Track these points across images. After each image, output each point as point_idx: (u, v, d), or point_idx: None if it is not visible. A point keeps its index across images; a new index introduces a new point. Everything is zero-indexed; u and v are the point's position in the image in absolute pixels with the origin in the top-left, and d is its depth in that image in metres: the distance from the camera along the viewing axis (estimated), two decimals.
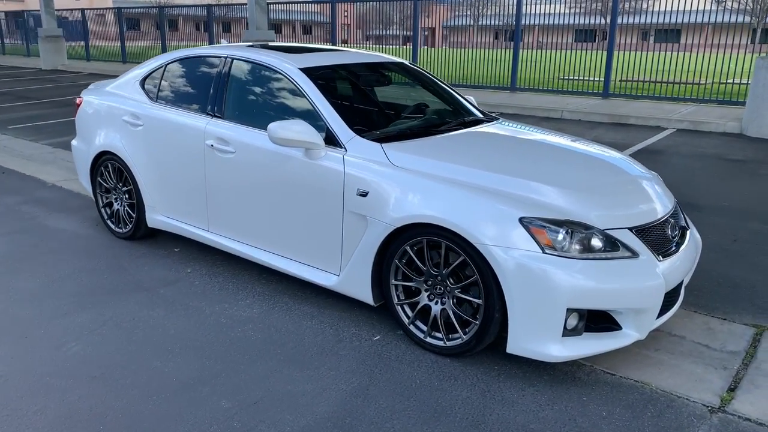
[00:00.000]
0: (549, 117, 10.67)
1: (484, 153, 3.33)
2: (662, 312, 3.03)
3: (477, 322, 2.85)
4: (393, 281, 3.12)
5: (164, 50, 20.96)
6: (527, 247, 2.69)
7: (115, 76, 19.05)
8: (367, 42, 24.72)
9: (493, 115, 4.40)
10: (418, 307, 3.08)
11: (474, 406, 2.63)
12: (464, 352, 2.94)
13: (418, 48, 14.42)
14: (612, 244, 2.79)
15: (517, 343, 2.75)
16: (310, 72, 3.66)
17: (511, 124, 4.09)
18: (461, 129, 3.76)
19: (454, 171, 3.04)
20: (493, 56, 13.81)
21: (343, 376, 2.83)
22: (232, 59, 3.98)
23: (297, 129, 3.25)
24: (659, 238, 2.97)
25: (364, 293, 3.23)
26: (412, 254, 3.02)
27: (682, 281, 3.10)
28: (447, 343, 2.98)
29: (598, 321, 2.84)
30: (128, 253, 4.34)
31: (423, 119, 3.89)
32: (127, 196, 4.51)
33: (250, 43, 4.36)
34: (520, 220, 2.74)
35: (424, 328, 3.07)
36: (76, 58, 24.15)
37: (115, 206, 4.63)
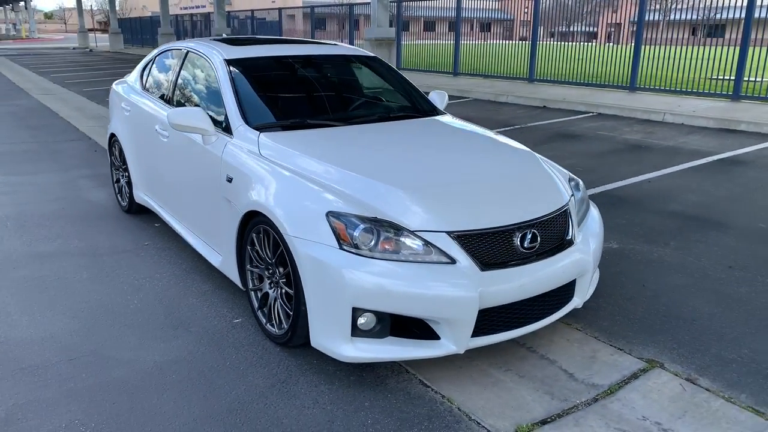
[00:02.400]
0: (649, 119, 9.68)
1: (354, 148, 3.28)
2: (509, 328, 2.78)
3: (291, 314, 2.86)
4: (248, 267, 3.22)
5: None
6: (327, 241, 2.65)
7: None
8: (551, 39, 23.85)
9: (443, 111, 4.24)
10: (261, 293, 3.14)
11: (251, 394, 2.66)
12: (286, 343, 2.96)
13: (537, 43, 13.81)
14: (422, 246, 2.63)
15: (316, 338, 2.72)
16: (233, 62, 3.85)
17: (445, 120, 3.95)
18: (375, 123, 3.72)
19: (304, 164, 3.05)
20: (613, 53, 12.71)
21: (169, 349, 3.01)
22: (187, 51, 4.31)
23: (189, 115, 3.47)
24: (493, 247, 2.71)
25: (234, 276, 3.37)
26: (256, 242, 3.09)
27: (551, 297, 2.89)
28: (277, 331, 3.01)
29: (418, 328, 2.68)
30: (114, 224, 4.89)
31: (343, 111, 3.89)
32: (126, 174, 5.07)
33: (217, 37, 4.66)
34: (327, 214, 2.69)
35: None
36: None
37: (121, 182, 5.23)
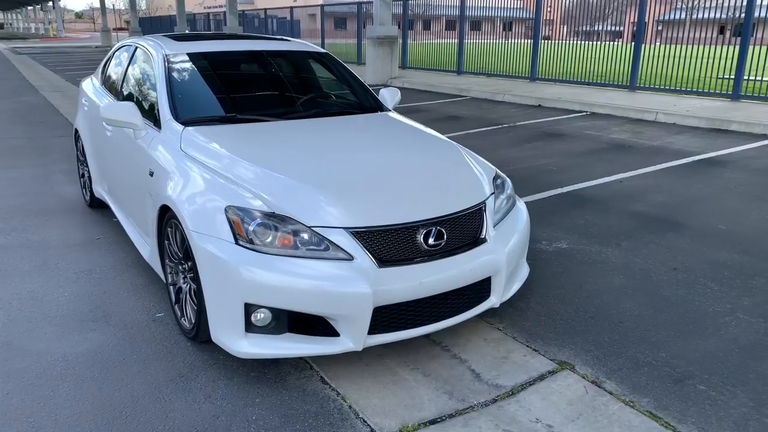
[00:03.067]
0: (641, 119, 9.50)
1: (275, 143, 3.28)
2: (413, 325, 2.75)
3: (197, 309, 2.87)
4: (166, 261, 3.23)
5: (359, 46, 22.41)
6: (224, 236, 2.65)
7: None
8: (574, 39, 23.51)
9: (388, 108, 4.22)
10: (176, 288, 3.16)
11: (146, 387, 2.67)
12: (194, 338, 2.96)
13: (539, 42, 13.66)
14: (320, 242, 2.61)
15: (214, 334, 2.72)
16: (174, 58, 3.87)
17: (383, 117, 3.93)
18: (310, 118, 3.72)
19: (217, 159, 3.05)
20: (613, 52, 12.48)
21: (81, 342, 3.03)
22: (136, 47, 4.35)
23: (120, 109, 3.50)
24: (393, 244, 2.68)
25: (159, 270, 3.39)
26: (170, 236, 3.10)
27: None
28: (188, 326, 3.02)
29: (320, 325, 2.67)
30: (74, 218, 4.95)
31: (280, 107, 3.89)
32: (87, 168, 5.13)
33: (170, 34, 4.69)
34: (225, 209, 2.69)
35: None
36: None
37: (85, 177, 5.30)
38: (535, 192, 5.65)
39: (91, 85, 5.10)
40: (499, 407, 2.59)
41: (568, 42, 13.50)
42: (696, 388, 2.70)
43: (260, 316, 2.61)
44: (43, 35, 68.03)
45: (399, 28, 17.65)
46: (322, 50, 4.56)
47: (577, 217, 4.94)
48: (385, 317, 2.70)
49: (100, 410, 2.50)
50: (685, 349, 3.00)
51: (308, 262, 2.59)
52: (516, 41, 15.55)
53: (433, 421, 2.50)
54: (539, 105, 11.09)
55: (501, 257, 2.97)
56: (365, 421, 2.47)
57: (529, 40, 14.31)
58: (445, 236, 2.81)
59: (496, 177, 3.37)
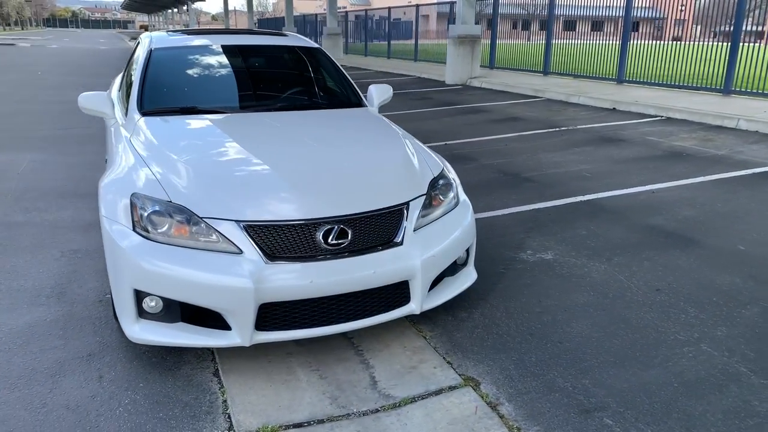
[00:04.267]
0: (720, 125, 8.61)
1: (214, 135, 3.34)
2: (309, 325, 2.69)
3: None
4: None
5: (416, 47, 22.41)
6: (124, 222, 2.72)
7: (359, 69, 21.13)
8: (712, 40, 21.94)
9: (365, 104, 4.15)
10: None
11: (47, 364, 2.81)
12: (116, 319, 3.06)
13: (627, 43, 12.79)
14: (210, 234, 2.62)
15: (118, 316, 2.80)
16: (159, 52, 4.04)
17: (353, 113, 3.89)
18: (274, 111, 3.74)
19: (147, 148, 3.14)
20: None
21: (22, 315, 3.23)
22: (138, 42, 4.58)
23: (93, 99, 3.70)
24: (287, 240, 2.63)
25: None
26: None
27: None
28: None
29: (214, 317, 2.67)
30: (95, 204, 5.30)
31: (248, 100, 3.93)
32: None
33: (177, 29, 4.88)
34: (131, 195, 2.77)
35: None
36: (358, 54, 27.39)
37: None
38: (553, 198, 5.31)
39: (119, 76, 5.44)
40: (376, 418, 2.47)
41: (697, 43, 12.41)
42: (601, 422, 2.41)
43: (151, 304, 2.65)
44: None
45: (488, 27, 17.28)
46: (315, 46, 4.56)
47: (582, 228, 4.57)
48: (276, 314, 2.66)
49: None
50: (615, 378, 2.69)
51: (198, 253, 2.60)
52: (610, 42, 14.64)
53: (298, 425, 2.42)
54: (613, 108, 10.40)
55: (415, 262, 2.82)
56: (229, 417, 2.45)
57: (653, 41, 13.42)
58: (350, 236, 2.71)
59: (439, 178, 3.20)
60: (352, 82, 4.34)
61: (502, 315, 3.27)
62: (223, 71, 4.18)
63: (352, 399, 2.59)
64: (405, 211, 2.89)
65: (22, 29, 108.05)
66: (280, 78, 4.29)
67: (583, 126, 8.89)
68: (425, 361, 2.87)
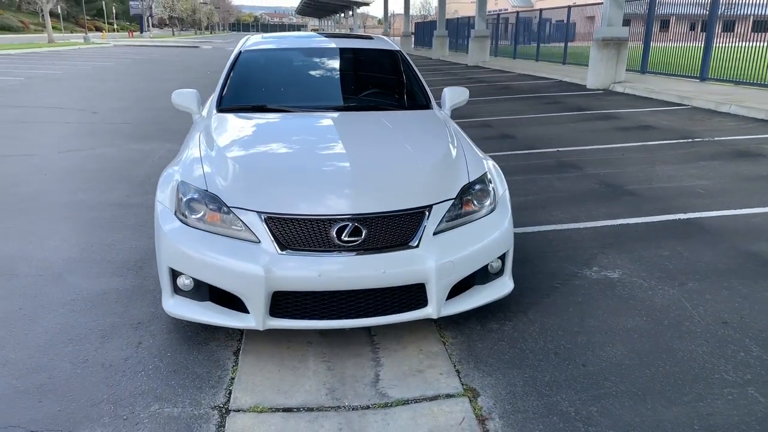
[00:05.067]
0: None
1: (272, 131, 3.57)
2: (322, 317, 2.81)
3: None
4: None
5: (565, 50, 21.53)
6: (170, 206, 3.03)
7: (501, 72, 20.59)
8: None
9: (431, 106, 4.16)
10: None
11: (105, 325, 3.19)
12: None
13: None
14: (236, 223, 2.83)
15: (162, 290, 3.11)
16: (247, 53, 4.39)
17: (416, 115, 3.94)
18: (339, 111, 3.91)
19: (210, 140, 3.43)
20: None
21: (106, 282, 3.69)
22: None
23: (183, 95, 4.11)
24: (302, 234, 2.76)
25: None
26: None
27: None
28: None
29: (237, 301, 2.88)
30: None
31: (318, 100, 4.11)
32: None
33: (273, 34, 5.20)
34: (179, 183, 3.07)
35: None
36: (507, 56, 26.94)
37: None
38: (648, 214, 4.90)
39: None
40: (362, 414, 2.51)
41: None
42: None
43: (185, 282, 2.92)
44: None
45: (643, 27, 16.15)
46: (394, 48, 4.64)
47: (667, 248, 4.19)
48: (288, 303, 2.80)
49: (62, 330, 3.08)
50: (628, 410, 2.47)
51: (224, 240, 2.82)
52: None
53: (287, 409, 2.54)
54: None
55: (429, 266, 2.80)
56: (229, 393, 2.63)
57: None
58: (363, 234, 2.78)
59: (475, 183, 3.14)
60: (424, 84, 4.36)
61: (535, 330, 3.13)
62: (299, 72, 4.41)
63: (349, 393, 2.66)
64: (426, 214, 2.88)
65: (211, 33, 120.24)
66: (351, 79, 4.43)
67: (722, 138, 8.02)
68: (435, 366, 2.85)
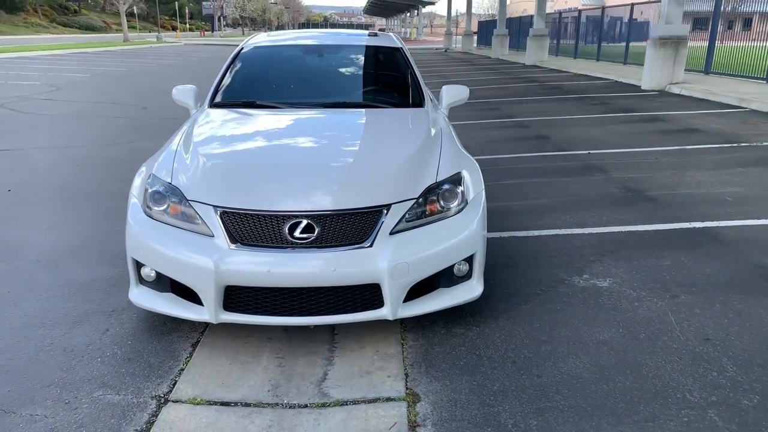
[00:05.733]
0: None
1: (251, 127, 3.59)
2: (275, 313, 2.82)
3: None
4: None
5: (626, 49, 20.72)
6: (139, 200, 3.10)
7: (557, 71, 20.07)
8: None
9: (424, 105, 4.08)
10: None
11: (80, 311, 3.30)
12: None
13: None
14: (194, 216, 2.86)
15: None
16: (249, 50, 4.45)
17: (403, 112, 3.88)
18: (325, 108, 3.90)
19: (189, 135, 3.50)
20: None
21: (105, 271, 3.83)
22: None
23: (181, 91, 4.20)
24: (254, 229, 2.77)
25: None
26: None
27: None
28: None
29: (194, 293, 2.91)
30: None
31: (308, 96, 4.11)
32: None
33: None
34: (149, 176, 3.14)
35: None
36: (567, 56, 26.19)
37: None
38: (662, 221, 4.65)
39: None
40: (297, 413, 2.50)
41: None
42: None
43: (148, 273, 2.98)
44: (404, 38, 77.53)
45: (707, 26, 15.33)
46: (395, 46, 4.59)
47: (670, 258, 3.95)
48: (240, 298, 2.81)
49: (39, 314, 3.21)
50: (569, 426, 2.35)
51: (182, 233, 2.86)
52: None
53: (225, 403, 2.56)
54: None
55: (381, 266, 2.75)
56: (174, 382, 2.67)
57: None
58: (316, 231, 2.76)
59: (443, 183, 3.05)
60: (420, 83, 4.26)
61: (500, 337, 3.02)
62: (294, 69, 4.43)
63: (291, 391, 2.64)
64: (383, 213, 2.83)
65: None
66: (346, 77, 4.41)
67: None
68: (385, 368, 2.79)
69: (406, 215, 2.89)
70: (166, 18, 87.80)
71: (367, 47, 4.59)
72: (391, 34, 4.93)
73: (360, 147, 3.31)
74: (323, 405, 2.54)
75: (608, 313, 3.24)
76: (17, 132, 8.85)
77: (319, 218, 2.77)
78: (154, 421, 2.41)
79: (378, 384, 2.68)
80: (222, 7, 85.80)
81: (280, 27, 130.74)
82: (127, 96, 13.40)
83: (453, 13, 49.33)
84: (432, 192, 3.01)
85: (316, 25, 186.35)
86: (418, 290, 2.94)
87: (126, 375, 2.72)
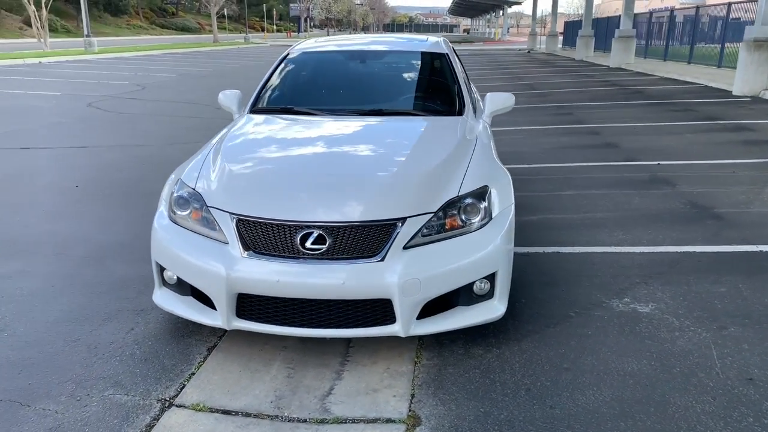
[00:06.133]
0: None
1: (287, 134, 3.62)
2: (286, 324, 2.81)
3: None
4: None
5: (722, 51, 19.43)
6: (165, 202, 3.18)
7: (642, 75, 19.15)
8: None
9: (463, 113, 3.94)
10: None
11: (110, 309, 3.43)
12: None
13: None
14: (212, 222, 2.90)
15: None
16: (294, 56, 4.49)
17: (439, 122, 3.77)
18: (363, 116, 3.84)
19: (222, 139, 3.55)
20: None
21: (121, 271, 3.97)
22: None
23: (227, 96, 4.28)
24: (267, 238, 2.76)
25: None
26: None
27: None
28: None
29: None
30: None
31: (347, 104, 4.07)
32: None
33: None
34: (177, 182, 3.21)
35: None
36: (656, 58, 24.90)
37: None
38: (726, 243, 4.29)
39: None
40: (293, 427, 2.48)
41: None
42: None
43: (169, 275, 3.05)
44: (488, 39, 76.41)
45: None
46: (440, 51, 4.46)
47: (726, 284, 3.63)
48: (252, 306, 2.82)
49: (74, 309, 3.35)
50: None
51: (200, 239, 2.90)
52: None
53: (226, 411, 2.57)
54: None
55: (391, 281, 2.67)
56: (183, 386, 2.70)
57: None
58: (328, 243, 2.72)
59: (465, 197, 2.93)
60: (462, 90, 4.11)
61: (519, 362, 2.86)
62: (335, 75, 4.41)
63: (294, 403, 2.62)
64: (397, 227, 2.75)
65: (365, 33, 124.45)
66: (385, 83, 4.33)
67: None
68: (393, 387, 2.71)
69: (423, 229, 2.80)
70: (257, 19, 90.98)
71: (411, 53, 4.51)
72: (441, 39, 4.81)
73: (383, 157, 3.24)
74: (322, 421, 2.49)
75: (643, 343, 3.00)
76: (96, 130, 9.40)
77: (331, 229, 2.72)
78: (154, 425, 2.45)
79: (382, 403, 2.60)
80: (308, 9, 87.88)
81: (365, 28, 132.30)
82: (204, 96, 13.93)
83: (540, 13, 48.05)
84: (453, 206, 2.90)
85: (400, 26, 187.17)
86: (434, 307, 2.84)
87: (139, 376, 2.78)
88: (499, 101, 4.14)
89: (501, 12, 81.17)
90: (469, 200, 2.94)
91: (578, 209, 5.20)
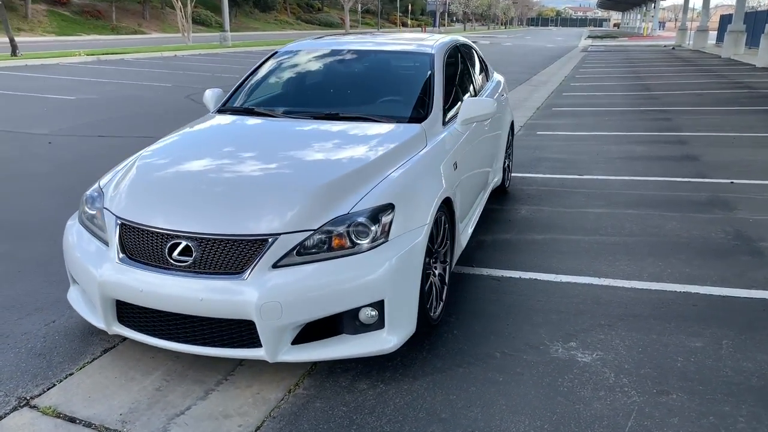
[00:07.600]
0: None
1: (228, 135, 3.54)
2: (157, 335, 2.75)
3: None
4: None
5: None
6: (80, 205, 3.22)
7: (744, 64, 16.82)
8: None
9: (418, 120, 3.59)
10: None
11: None
12: None
13: None
14: (103, 223, 2.88)
15: None
16: (279, 56, 4.39)
17: (380, 130, 3.46)
18: (320, 120, 3.63)
19: (165, 139, 3.54)
20: None
21: None
22: None
23: (207, 95, 4.28)
24: (141, 245, 2.69)
25: None
26: None
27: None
28: None
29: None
30: None
31: (313, 106, 3.87)
32: None
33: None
34: (99, 187, 3.21)
35: None
36: None
37: None
38: (747, 286, 3.57)
39: None
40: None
41: None
42: None
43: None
44: (635, 34, 71.22)
45: None
46: (425, 51, 4.10)
47: (706, 337, 3.00)
48: (128, 313, 2.77)
49: (24, 295, 3.51)
50: None
51: (94, 241, 2.91)
52: None
53: (71, 419, 2.52)
54: None
55: (249, 302, 2.49)
56: (51, 386, 2.71)
57: None
58: (194, 254, 2.59)
59: (356, 215, 2.66)
60: (435, 95, 3.67)
61: (396, 405, 2.55)
62: (309, 76, 4.22)
63: (140, 420, 2.52)
64: (267, 243, 2.55)
65: (505, 28, 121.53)
66: (353, 87, 4.02)
67: None
68: (246, 414, 2.53)
69: (300, 248, 2.58)
70: (400, 14, 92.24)
71: (392, 53, 4.20)
72: (442, 40, 4.43)
73: (285, 167, 3.02)
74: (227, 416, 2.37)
75: (552, 400, 2.55)
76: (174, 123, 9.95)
77: (199, 241, 2.59)
78: None
79: (222, 431, 2.43)
80: (446, 3, 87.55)
81: (506, 23, 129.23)
82: None
83: (692, 6, 43.99)
84: (341, 224, 2.64)
85: (546, 21, 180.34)
86: (321, 331, 2.62)
87: (20, 370, 2.83)
88: (475, 108, 3.74)
89: (653, 4, 75.42)
90: (360, 219, 2.66)
91: (596, 231, 4.60)
